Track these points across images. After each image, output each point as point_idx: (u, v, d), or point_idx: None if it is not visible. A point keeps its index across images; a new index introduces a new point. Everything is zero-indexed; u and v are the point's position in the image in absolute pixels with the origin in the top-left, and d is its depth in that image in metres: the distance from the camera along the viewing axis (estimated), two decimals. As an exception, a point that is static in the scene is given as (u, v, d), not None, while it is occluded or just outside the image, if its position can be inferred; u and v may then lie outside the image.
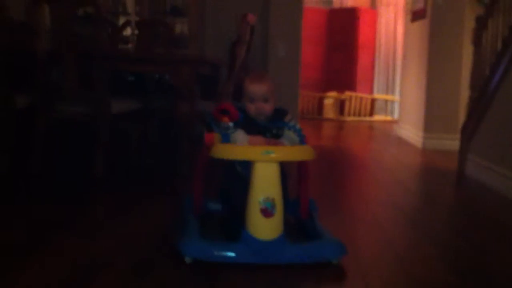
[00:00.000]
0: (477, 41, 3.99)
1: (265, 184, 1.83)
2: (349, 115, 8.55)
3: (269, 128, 2.05)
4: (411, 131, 5.66)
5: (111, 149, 3.05)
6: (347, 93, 8.59)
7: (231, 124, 1.91)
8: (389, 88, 8.82)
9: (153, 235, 2.09)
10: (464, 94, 4.59)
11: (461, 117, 4.57)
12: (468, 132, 3.96)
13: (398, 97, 7.93)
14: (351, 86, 8.81)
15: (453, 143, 4.64)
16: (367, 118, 8.56)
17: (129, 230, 2.15)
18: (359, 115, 8.59)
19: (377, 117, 8.61)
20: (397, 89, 8.34)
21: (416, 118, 5.48)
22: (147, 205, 2.59)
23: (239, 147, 1.92)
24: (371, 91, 8.89)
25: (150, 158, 3.52)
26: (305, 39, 6.06)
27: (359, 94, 8.65)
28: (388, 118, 8.55)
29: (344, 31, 8.86)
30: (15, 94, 2.91)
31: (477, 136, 3.83)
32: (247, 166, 1.93)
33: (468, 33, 4.70)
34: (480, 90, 3.79)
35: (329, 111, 8.55)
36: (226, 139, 1.94)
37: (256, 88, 2.04)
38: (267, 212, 1.79)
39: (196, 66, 3.19)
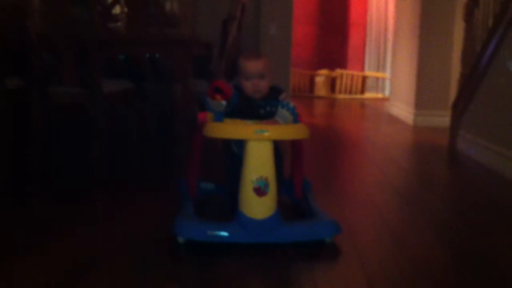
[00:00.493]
0: (468, 18, 4.00)
1: (258, 163, 1.81)
2: (340, 92, 8.56)
3: (263, 106, 2.04)
4: (403, 108, 5.68)
5: (108, 135, 3.01)
6: (338, 71, 8.58)
7: (224, 102, 1.88)
8: (380, 65, 8.82)
9: (151, 232, 2.03)
10: (455, 71, 4.61)
11: (452, 94, 4.59)
12: (459, 108, 3.98)
13: (389, 75, 7.93)
14: (342, 64, 8.80)
15: (444, 119, 4.67)
16: (358, 96, 8.57)
17: (128, 227, 2.08)
18: (350, 92, 8.60)
19: (368, 95, 8.62)
20: (388, 66, 8.34)
21: (407, 95, 5.49)
22: (145, 200, 2.49)
23: (231, 125, 1.89)
24: (362, 68, 8.88)
25: (147, 145, 3.50)
26: (296, 17, 6.04)
27: (350, 72, 8.64)
28: (379, 95, 8.56)
29: (335, 9, 8.81)
30: (6, 76, 2.88)
31: (468, 113, 3.85)
32: (242, 145, 1.92)
33: (459, 10, 4.70)
34: (471, 66, 3.80)
35: (321, 89, 8.54)
36: (219, 117, 1.91)
37: (252, 65, 2.03)
38: (260, 191, 1.79)
39: (190, 46, 3.17)
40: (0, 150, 2.80)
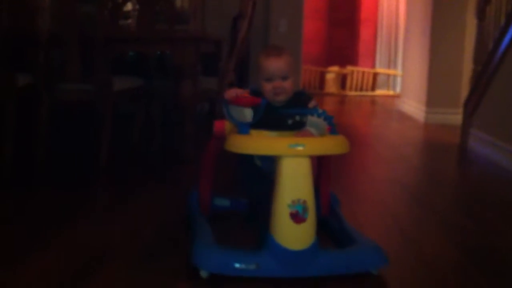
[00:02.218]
0: (480, 15, 3.96)
1: (295, 183, 1.54)
2: (350, 89, 8.52)
3: (291, 115, 1.76)
4: (414, 106, 5.64)
5: (115, 131, 3.03)
6: (349, 68, 8.54)
7: (249, 109, 1.68)
8: (391, 62, 8.77)
9: (160, 222, 2.08)
10: (467, 68, 4.57)
11: (464, 91, 4.56)
12: (471, 106, 3.95)
13: (400, 72, 7.89)
14: (353, 61, 8.76)
15: (455, 117, 4.63)
16: (369, 93, 8.53)
17: (135, 218, 2.14)
18: (361, 89, 8.56)
19: (379, 92, 8.58)
20: (399, 63, 8.29)
21: (418, 93, 5.46)
22: (153, 191, 2.57)
23: (260, 139, 1.64)
24: (373, 65, 8.84)
25: (154, 140, 3.51)
26: (307, 14, 6.01)
27: (361, 69, 8.60)
28: (390, 92, 8.52)
29: (346, 5, 8.78)
30: (15, 73, 2.89)
31: (479, 111, 3.82)
32: (267, 158, 1.75)
33: (471, 7, 4.66)
34: (483, 64, 3.77)
35: (331, 86, 8.52)
36: (244, 129, 1.64)
37: (273, 64, 1.75)
38: (297, 217, 1.52)
39: (199, 43, 3.17)
40: (6, 145, 2.82)
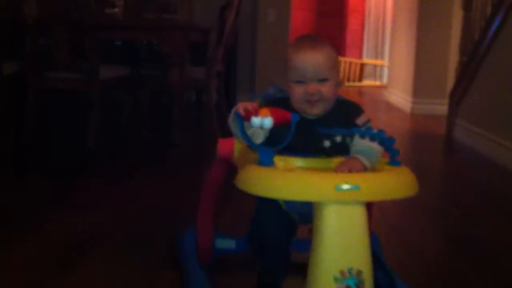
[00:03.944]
0: (467, 6, 3.98)
1: (345, 245, 1.04)
2: (338, 80, 8.54)
3: (330, 134, 1.27)
4: (400, 96, 5.67)
5: (103, 119, 3.04)
6: (336, 58, 8.55)
7: (268, 122, 1.12)
8: (378, 53, 8.80)
9: (147, 208, 2.10)
10: (453, 59, 4.60)
11: (450, 82, 4.59)
12: (457, 97, 3.98)
13: (387, 62, 7.92)
14: (341, 51, 8.78)
15: (441, 108, 4.67)
16: (356, 83, 8.56)
17: (123, 203, 2.16)
18: (348, 80, 8.58)
19: (366, 82, 8.61)
20: (387, 54, 8.32)
21: (405, 83, 5.48)
22: (141, 177, 2.59)
23: (291, 175, 1.07)
24: (360, 56, 8.86)
25: (142, 128, 3.51)
26: (294, 4, 6.01)
27: (348, 59, 8.62)
28: (377, 83, 8.55)
29: (333, -5, 8.77)
30: (1, 61, 2.87)
31: (465, 101, 3.85)
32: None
33: (458, -2, 4.68)
34: (469, 55, 3.80)
35: (318, 76, 8.52)
36: (266, 156, 1.13)
37: (307, 60, 1.25)
38: None
39: (187, 32, 3.16)
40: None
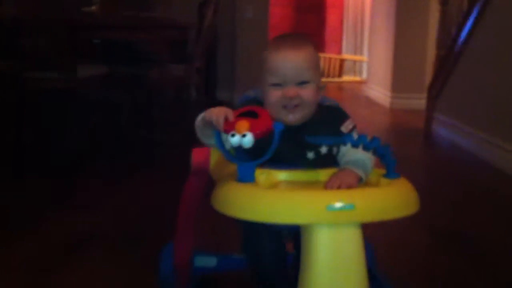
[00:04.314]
0: (443, 0, 4.01)
1: (339, 269, 0.92)
2: (318, 76, 8.56)
3: (315, 144, 1.13)
4: (379, 91, 5.71)
5: (102, 119, 3.04)
6: (316, 54, 8.57)
7: (249, 137, 0.97)
8: (357, 48, 8.84)
9: (147, 208, 2.11)
10: (431, 53, 4.64)
11: (428, 76, 4.63)
12: (435, 91, 4.02)
13: (366, 57, 7.96)
14: (320, 47, 8.80)
15: (420, 102, 4.71)
16: (336, 79, 8.59)
17: (123, 203, 2.17)
18: (328, 76, 8.61)
19: (346, 78, 8.65)
20: (366, 49, 8.36)
21: (384, 78, 5.52)
22: (140, 177, 2.59)
23: (274, 195, 0.94)
24: (339, 51, 8.89)
25: (140, 128, 3.49)
26: (272, 0, 6.00)
27: (328, 55, 8.65)
28: (357, 78, 8.60)
29: (312, -9, 8.79)
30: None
31: (443, 95, 3.89)
32: None
33: (435, -7, 4.71)
34: (447, 49, 3.83)
35: (298, 72, 8.54)
36: (246, 170, 1.00)
37: (286, 60, 1.12)
38: None
39: (166, 30, 3.14)
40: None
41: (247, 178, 0.98)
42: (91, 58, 3.38)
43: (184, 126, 3.65)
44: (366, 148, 1.02)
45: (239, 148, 0.98)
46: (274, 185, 1.02)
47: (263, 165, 1.02)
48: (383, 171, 1.06)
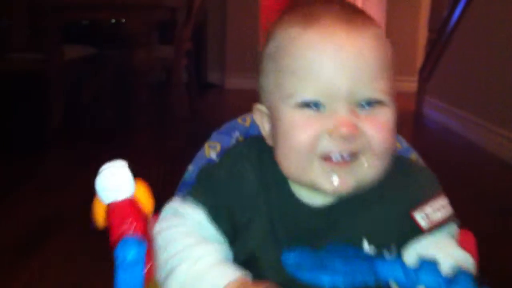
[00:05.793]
0: (435, -18, 3.99)
1: None
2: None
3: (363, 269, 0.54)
4: (371, 74, 5.69)
5: (66, 100, 2.98)
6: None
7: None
8: (348, 30, 8.80)
9: None
10: (423, 36, 4.62)
11: (419, 59, 4.61)
12: (426, 73, 4.01)
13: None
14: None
15: (411, 85, 4.69)
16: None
17: (89, 185, 2.13)
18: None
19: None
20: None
21: (375, 61, 5.50)
22: (106, 158, 2.55)
23: None
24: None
25: (106, 108, 3.46)
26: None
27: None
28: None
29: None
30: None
31: (434, 78, 3.88)
32: None
33: (427, -26, 4.68)
34: (438, 32, 3.81)
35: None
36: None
37: (340, 54, 0.58)
38: None
39: (154, 10, 3.09)
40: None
41: None
42: (78, 39, 3.33)
43: (162, 108, 3.64)
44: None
45: None
46: None
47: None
48: None
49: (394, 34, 5.09)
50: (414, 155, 0.88)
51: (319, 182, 0.59)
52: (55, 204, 1.89)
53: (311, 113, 0.58)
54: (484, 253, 0.70)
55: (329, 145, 0.58)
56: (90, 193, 1.94)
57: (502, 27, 2.86)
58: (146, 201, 0.70)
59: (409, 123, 3.82)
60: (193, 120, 3.35)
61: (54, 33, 2.78)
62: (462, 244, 0.64)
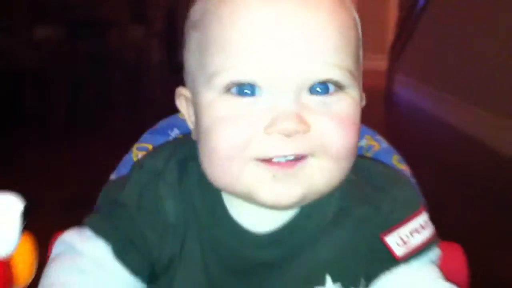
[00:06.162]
0: (405, -39, 4.01)
1: None
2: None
3: None
4: (342, 52, 5.71)
5: (37, 81, 2.93)
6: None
7: None
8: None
9: (84, 171, 2.06)
10: (393, 14, 4.65)
11: (390, 37, 4.65)
12: (396, 52, 4.04)
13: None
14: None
15: (381, 63, 4.74)
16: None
17: (59, 166, 2.12)
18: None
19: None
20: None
21: (346, 39, 5.51)
22: (76, 140, 2.54)
23: None
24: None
25: (79, 89, 3.41)
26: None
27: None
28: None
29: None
30: None
31: (404, 56, 3.92)
32: None
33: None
34: (408, 9, 3.84)
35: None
36: None
37: (283, 22, 0.44)
38: None
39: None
40: None
41: None
42: (49, 18, 3.26)
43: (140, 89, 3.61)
44: None
45: None
46: None
47: None
48: None
49: (364, 11, 5.11)
50: (396, 157, 0.73)
51: (254, 191, 0.44)
52: (36, 185, 1.88)
53: (244, 100, 0.44)
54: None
55: (266, 146, 0.43)
56: (69, 174, 1.90)
57: (472, 3, 2.90)
58: (25, 268, 0.49)
59: (380, 102, 3.86)
60: (166, 101, 3.33)
61: (23, 14, 2.73)
62: (450, 261, 0.54)
